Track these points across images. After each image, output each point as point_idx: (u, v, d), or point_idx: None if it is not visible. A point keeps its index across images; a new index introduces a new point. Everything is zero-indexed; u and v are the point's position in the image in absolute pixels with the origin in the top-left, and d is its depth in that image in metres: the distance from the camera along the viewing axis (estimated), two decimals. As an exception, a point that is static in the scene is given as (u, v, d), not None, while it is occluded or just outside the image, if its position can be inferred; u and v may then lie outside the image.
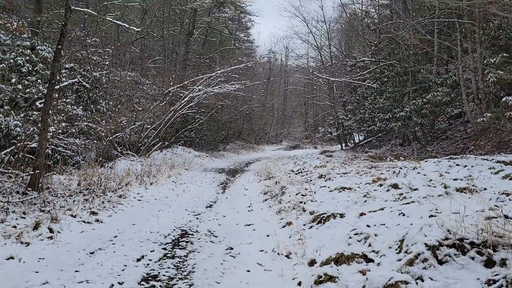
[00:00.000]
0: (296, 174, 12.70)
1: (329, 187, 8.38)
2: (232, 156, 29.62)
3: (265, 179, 13.50)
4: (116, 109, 17.64)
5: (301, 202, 7.37)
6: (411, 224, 4.82)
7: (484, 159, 9.77)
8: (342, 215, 5.79)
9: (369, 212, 5.73)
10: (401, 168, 8.45)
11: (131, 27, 9.81)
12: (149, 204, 9.31)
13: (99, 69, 18.57)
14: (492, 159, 9.57)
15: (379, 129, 17.37)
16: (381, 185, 7.21)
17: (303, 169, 12.92)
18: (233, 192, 11.64)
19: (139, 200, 9.58)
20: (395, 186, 6.59)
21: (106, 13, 26.66)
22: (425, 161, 10.11)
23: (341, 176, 9.13)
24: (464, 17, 14.44)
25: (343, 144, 26.37)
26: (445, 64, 18.56)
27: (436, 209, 5.04)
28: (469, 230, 3.77)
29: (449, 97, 15.34)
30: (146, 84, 26.06)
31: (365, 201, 6.51)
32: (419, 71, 17.27)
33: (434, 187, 6.26)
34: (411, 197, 5.89)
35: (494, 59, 11.68)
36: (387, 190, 6.59)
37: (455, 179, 6.97)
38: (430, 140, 17.03)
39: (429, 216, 4.84)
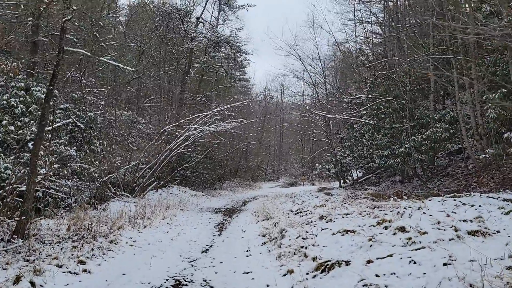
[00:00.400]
0: (295, 214, 12.27)
1: (330, 229, 7.97)
2: (229, 195, 29.12)
3: (263, 220, 13.05)
4: (111, 149, 17.35)
5: (302, 247, 6.95)
6: (424, 273, 4.43)
7: (489, 197, 9.43)
8: (347, 263, 5.38)
9: (377, 259, 5.33)
10: (405, 208, 8.08)
11: (125, 67, 9.70)
12: (142, 249, 8.83)
13: (94, 109, 18.44)
14: (498, 197, 9.23)
15: (378, 166, 17.09)
16: (386, 227, 6.82)
17: (303, 208, 12.51)
18: (230, 235, 11.17)
19: (131, 246, 9.10)
20: (402, 229, 6.21)
21: (102, 54, 26.86)
22: (429, 200, 9.76)
23: (343, 217, 8.74)
24: (460, 53, 14.47)
25: (341, 181, 26.01)
26: (441, 100, 18.53)
27: (450, 256, 4.66)
28: (495, 285, 3.40)
29: (448, 133, 15.17)
30: (142, 123, 25.96)
31: (371, 245, 6.11)
32: (417, 107, 17.20)
33: (444, 230, 5.89)
34: (420, 242, 5.51)
35: (494, 94, 11.57)
36: (394, 234, 6.20)
37: (464, 221, 6.60)
38: (431, 176, 16.72)
39: (443, 265, 4.47)
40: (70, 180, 14.76)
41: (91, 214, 12.50)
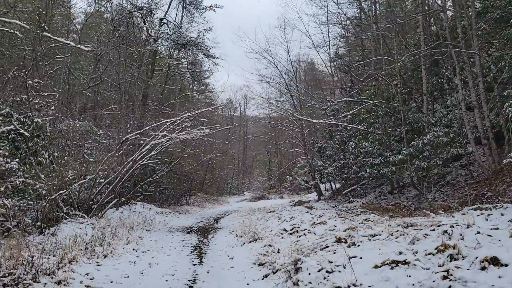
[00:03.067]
0: (291, 234, 10.22)
1: (361, 258, 5.99)
2: (197, 211, 26.73)
3: (250, 241, 10.92)
4: (62, 161, 14.70)
5: (338, 288, 4.91)
6: None
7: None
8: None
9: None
10: (452, 226, 6.25)
11: (78, 46, 7.41)
12: (103, 292, 6.50)
13: (42, 115, 15.77)
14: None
15: (369, 175, 15.44)
16: (451, 256, 4.90)
17: (298, 227, 10.47)
18: (215, 263, 8.96)
19: (88, 287, 6.73)
20: (494, 261, 4.30)
21: (53, 55, 24.02)
22: (462, 214, 8.01)
23: (369, 239, 6.80)
24: (462, 47, 13.05)
25: (320, 194, 24.18)
26: (431, 104, 17.16)
27: None
28: None
29: (448, 137, 13.69)
30: (99, 134, 23.21)
31: (450, 286, 4.16)
32: (409, 110, 15.71)
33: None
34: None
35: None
36: (483, 268, 4.29)
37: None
38: (427, 186, 15.18)
39: None
40: (10, 199, 12.08)
41: (36, 241, 10.03)
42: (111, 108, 29.25)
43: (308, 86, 37.64)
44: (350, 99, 16.97)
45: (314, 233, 9.70)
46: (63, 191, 13.48)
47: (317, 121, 17.82)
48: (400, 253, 5.66)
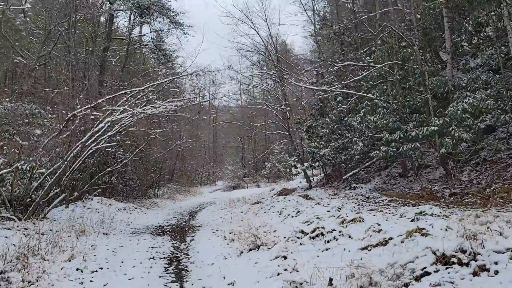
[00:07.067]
0: (313, 238, 6.96)
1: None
2: (168, 204, 23.13)
3: (251, 249, 7.62)
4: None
5: None
6: None
7: None
8: None
9: None
10: None
11: None
12: None
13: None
14: None
15: (385, 154, 12.43)
16: None
17: (322, 227, 7.21)
18: (206, 292, 5.62)
19: None
20: None
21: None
22: None
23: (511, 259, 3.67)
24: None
25: (308, 180, 21.07)
26: (456, 63, 14.26)
27: None
28: None
29: (491, 101, 10.76)
30: (47, 118, 19.16)
31: None
32: (433, 72, 12.70)
33: None
34: None
35: None
36: None
37: None
38: (456, 165, 12.30)
39: None
40: None
41: None
42: (62, 90, 25.11)
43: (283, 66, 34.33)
44: (355, 63, 13.79)
45: (349, 237, 6.51)
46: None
47: (320, 88, 14.49)
48: None
